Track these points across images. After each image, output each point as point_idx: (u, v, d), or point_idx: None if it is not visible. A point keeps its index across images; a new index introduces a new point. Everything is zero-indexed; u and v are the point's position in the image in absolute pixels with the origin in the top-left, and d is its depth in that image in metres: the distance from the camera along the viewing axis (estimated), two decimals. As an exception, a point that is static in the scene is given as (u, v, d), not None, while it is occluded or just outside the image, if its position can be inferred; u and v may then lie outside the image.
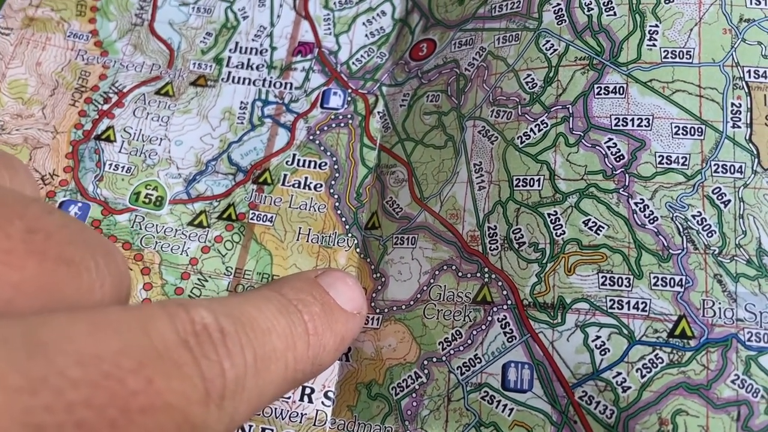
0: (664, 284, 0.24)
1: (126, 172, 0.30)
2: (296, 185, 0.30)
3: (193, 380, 0.17)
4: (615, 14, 0.27)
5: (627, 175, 0.25)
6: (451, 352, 0.26)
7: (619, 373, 0.23)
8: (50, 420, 0.14)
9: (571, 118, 0.26)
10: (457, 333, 0.26)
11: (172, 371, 0.17)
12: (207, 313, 0.19)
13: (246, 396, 0.19)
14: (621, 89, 0.26)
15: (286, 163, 0.30)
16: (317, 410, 0.27)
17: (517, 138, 0.27)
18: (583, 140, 0.26)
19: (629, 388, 0.23)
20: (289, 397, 0.27)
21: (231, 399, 0.18)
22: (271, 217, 0.30)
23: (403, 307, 0.27)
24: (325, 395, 0.27)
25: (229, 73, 0.32)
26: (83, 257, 0.19)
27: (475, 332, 0.25)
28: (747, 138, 0.25)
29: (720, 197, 0.24)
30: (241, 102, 0.32)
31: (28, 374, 0.14)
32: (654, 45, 0.26)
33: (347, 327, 0.24)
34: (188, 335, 0.18)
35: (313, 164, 0.30)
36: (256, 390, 0.20)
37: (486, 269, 0.26)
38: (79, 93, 0.32)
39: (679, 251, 0.24)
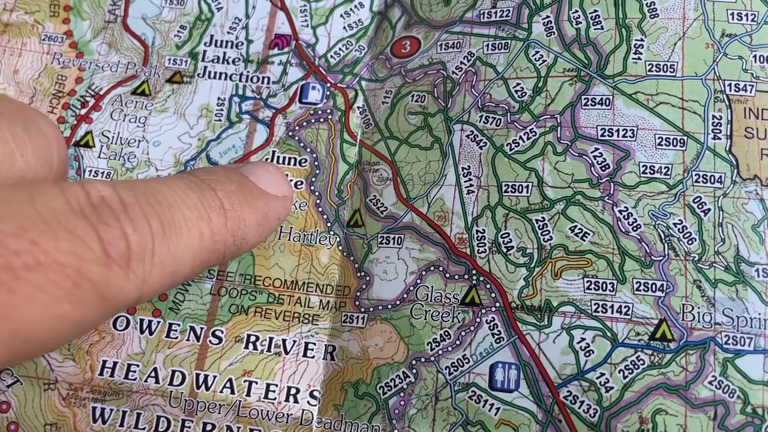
0: (646, 289, 0.26)
1: (106, 177, 0.31)
2: (277, 182, 0.31)
3: (86, 242, 0.19)
4: (602, 28, 0.29)
5: (612, 183, 0.28)
6: (440, 352, 0.28)
7: (602, 374, 0.26)
8: None
9: (559, 128, 0.29)
10: (446, 334, 0.28)
11: (60, 232, 0.19)
12: (105, 186, 0.21)
13: (158, 260, 0.21)
14: (607, 101, 0.29)
15: (266, 160, 0.32)
16: (303, 410, 0.28)
17: (506, 145, 0.29)
18: (570, 149, 0.28)
19: (612, 388, 0.26)
20: (274, 398, 0.28)
21: (139, 262, 0.21)
22: (254, 214, 0.31)
23: (389, 306, 0.29)
24: (311, 395, 0.28)
25: (205, 68, 0.33)
26: None
27: (463, 333, 0.28)
28: (727, 149, 0.27)
29: (700, 206, 0.27)
30: (218, 98, 0.33)
31: None
32: (639, 58, 0.29)
33: (269, 206, 0.26)
34: (83, 206, 0.20)
35: (293, 161, 0.32)
36: (168, 255, 0.22)
37: (474, 271, 0.28)
38: (57, 99, 0.32)
39: (661, 258, 0.27)
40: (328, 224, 0.31)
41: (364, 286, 0.30)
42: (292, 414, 0.28)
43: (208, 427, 0.28)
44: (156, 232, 0.22)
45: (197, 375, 0.28)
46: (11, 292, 0.18)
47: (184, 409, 0.28)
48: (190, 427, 0.28)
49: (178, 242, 0.22)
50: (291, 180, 0.31)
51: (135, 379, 0.28)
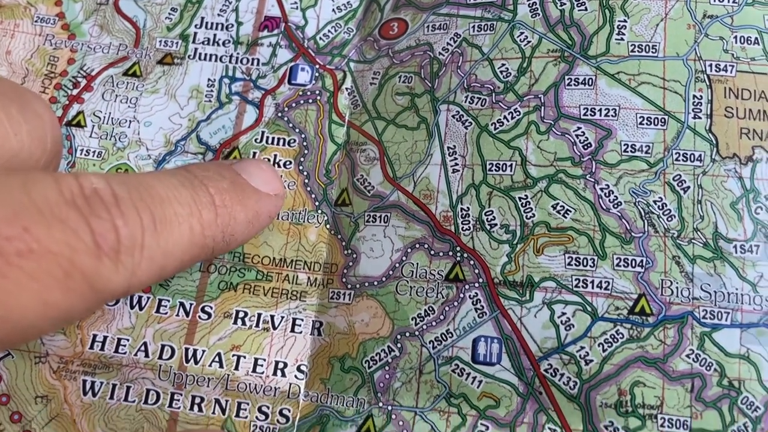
0: (626, 265, 0.27)
1: (97, 156, 0.32)
2: (266, 162, 0.32)
3: (78, 232, 0.20)
4: (586, 9, 0.30)
5: (594, 162, 0.28)
6: (424, 327, 0.28)
7: (582, 348, 0.27)
8: None
9: (542, 107, 0.29)
10: (430, 309, 0.28)
11: (53, 222, 0.20)
12: (98, 179, 0.22)
13: (147, 254, 0.22)
14: (590, 81, 0.29)
15: (255, 140, 0.32)
16: (290, 383, 0.29)
17: (491, 124, 0.30)
18: (553, 128, 0.29)
19: (591, 361, 0.27)
20: (262, 372, 0.29)
21: (129, 254, 0.21)
22: (243, 193, 0.32)
23: (375, 283, 0.30)
24: (298, 369, 0.29)
25: (196, 49, 0.34)
26: None
27: (447, 308, 0.28)
28: (707, 128, 0.28)
29: (680, 184, 0.28)
30: (209, 79, 0.33)
31: None
32: (622, 39, 0.29)
33: (260, 204, 0.27)
34: (76, 197, 0.21)
35: (281, 141, 0.32)
36: (158, 249, 0.23)
37: (458, 248, 0.29)
38: (49, 79, 0.33)
39: (641, 234, 0.27)
40: (316, 203, 0.31)
41: (350, 264, 0.30)
42: (279, 387, 0.29)
43: (197, 400, 0.28)
44: (147, 226, 0.22)
45: (186, 349, 0.29)
46: (2, 276, 0.19)
47: (173, 382, 0.29)
48: (178, 400, 0.28)
49: (168, 237, 0.23)
50: (280, 160, 0.32)
51: (125, 353, 0.29)
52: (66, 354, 0.29)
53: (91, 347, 0.29)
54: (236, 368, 0.29)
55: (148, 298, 0.29)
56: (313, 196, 0.32)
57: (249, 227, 0.27)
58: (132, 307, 0.29)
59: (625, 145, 0.28)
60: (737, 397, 0.26)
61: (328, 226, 0.31)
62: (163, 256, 0.23)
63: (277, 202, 0.28)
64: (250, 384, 0.29)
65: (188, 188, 0.25)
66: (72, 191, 0.21)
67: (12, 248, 0.19)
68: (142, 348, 0.29)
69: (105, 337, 0.29)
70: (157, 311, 0.29)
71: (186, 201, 0.24)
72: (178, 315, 0.29)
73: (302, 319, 0.30)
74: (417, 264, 0.29)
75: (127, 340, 0.29)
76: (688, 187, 0.28)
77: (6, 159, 0.23)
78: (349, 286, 0.30)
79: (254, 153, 0.32)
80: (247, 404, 0.29)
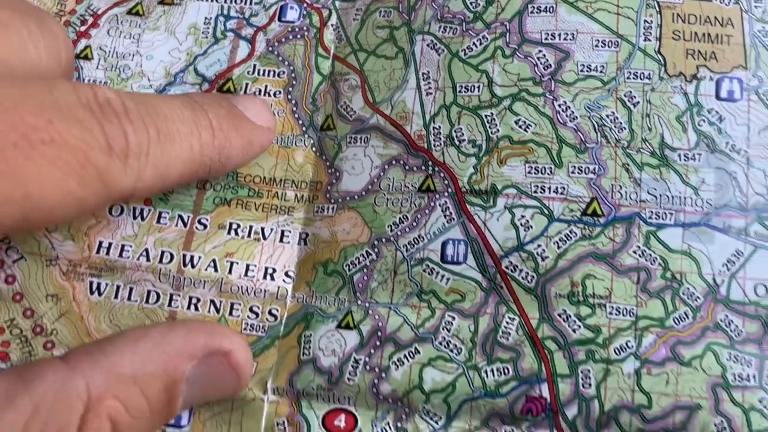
0: (580, 172, 0.30)
1: (103, 86, 0.35)
2: (257, 92, 0.35)
3: (93, 132, 0.23)
4: (547, -59, 0.33)
5: (553, 81, 0.31)
6: (399, 233, 0.31)
7: (539, 246, 0.30)
8: None
9: (507, 34, 0.32)
10: (404, 217, 0.31)
11: (71, 120, 0.22)
12: (110, 91, 0.24)
13: (152, 161, 0.25)
14: (551, 8, 0.32)
15: (248, 72, 0.35)
16: (279, 287, 0.32)
17: (461, 51, 0.33)
18: (517, 52, 0.32)
19: (547, 257, 0.29)
20: (253, 276, 0.32)
21: (136, 159, 0.24)
22: (236, 119, 0.35)
23: (356, 197, 0.32)
24: (286, 274, 0.32)
25: (194, -10, 0.37)
26: (11, 21, 0.25)
27: (419, 216, 0.31)
28: (656, 50, 0.31)
29: (631, 99, 0.31)
30: (205, 18, 0.36)
31: None
32: (580, -31, 0.32)
33: (254, 133, 0.30)
34: (91, 103, 0.23)
35: (272, 73, 0.35)
36: (162, 159, 0.25)
37: (430, 163, 0.32)
38: (59, 17, 0.36)
39: (594, 145, 0.30)
40: (303, 128, 0.34)
41: (334, 181, 0.33)
42: (269, 290, 0.32)
43: (194, 301, 0.31)
44: (152, 137, 0.25)
45: (184, 255, 0.32)
46: (27, 158, 0.21)
47: (172, 284, 0.31)
48: (177, 301, 0.31)
49: (170, 150, 0.26)
50: (270, 90, 0.35)
51: (128, 258, 0.32)
52: (74, 258, 0.32)
53: (98, 252, 0.32)
54: (229, 273, 0.32)
55: (149, 210, 0.32)
56: (301, 122, 0.34)
57: (243, 153, 0.30)
58: (135, 218, 0.32)
59: (581, 65, 0.31)
60: (679, 289, 0.29)
61: (314, 148, 0.34)
62: (166, 167, 0.26)
63: (268, 134, 0.31)
64: (242, 287, 0.32)
65: (189, 110, 0.28)
66: (88, 98, 0.24)
67: (37, 136, 0.21)
68: (144, 253, 0.32)
69: (110, 243, 0.32)
70: (158, 222, 0.32)
71: (187, 121, 0.27)
72: (176, 226, 0.32)
73: (290, 231, 0.33)
74: (393, 178, 0.32)
75: (130, 246, 0.32)
76: (638, 103, 0.30)
77: (26, 69, 0.26)
78: (333, 201, 0.33)
79: (246, 84, 0.35)
80: (239, 305, 0.32)
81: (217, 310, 0.31)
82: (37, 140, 0.21)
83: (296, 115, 0.34)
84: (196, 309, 0.31)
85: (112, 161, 0.23)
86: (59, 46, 0.28)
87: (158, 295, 0.31)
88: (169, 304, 0.31)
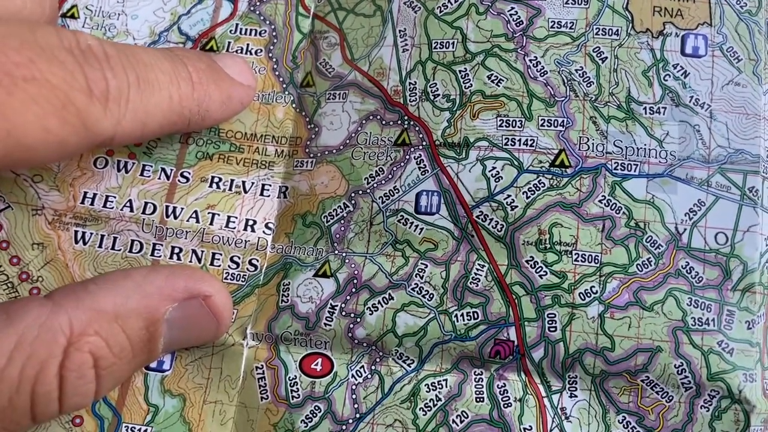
0: (549, 125, 0.31)
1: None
2: (239, 51, 0.36)
3: (74, 74, 0.23)
4: None
5: (525, 37, 0.32)
6: (375, 185, 0.32)
7: (509, 196, 0.31)
8: None
9: (481, -10, 0.33)
10: (380, 170, 0.32)
11: (53, 60, 0.23)
12: (92, 38, 0.25)
13: (131, 107, 0.26)
14: (524, -35, 0.33)
15: (230, 31, 0.36)
16: (259, 238, 0.33)
17: (437, 8, 0.34)
18: (490, 9, 0.33)
19: (516, 207, 0.31)
20: (234, 228, 0.33)
21: (116, 104, 0.25)
22: (218, 76, 0.35)
23: (334, 151, 0.34)
24: (266, 226, 0.33)
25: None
26: None
27: (395, 168, 0.32)
28: (624, 6, 0.32)
29: (599, 55, 0.32)
30: (189, -23, 0.37)
31: None
32: (552, -72, 0.33)
33: (233, 89, 0.31)
34: (73, 47, 0.24)
35: (253, 32, 0.36)
36: (141, 105, 0.26)
37: (406, 117, 0.33)
38: None
39: (563, 98, 0.31)
40: (284, 86, 0.35)
41: (313, 136, 0.34)
42: (249, 241, 0.33)
43: (176, 251, 0.32)
44: (132, 83, 0.26)
45: (167, 206, 0.33)
46: (9, 94, 0.22)
47: (155, 234, 0.33)
48: (159, 250, 0.32)
49: (149, 97, 0.27)
50: (252, 48, 0.36)
51: (112, 208, 0.33)
52: (60, 207, 0.33)
53: (83, 202, 0.33)
54: (211, 224, 0.33)
55: (133, 163, 0.33)
56: (281, 79, 0.35)
57: (222, 107, 0.31)
58: (119, 171, 0.33)
59: (552, 22, 0.32)
60: (642, 237, 0.30)
61: (293, 105, 0.35)
62: (145, 114, 0.26)
63: (248, 91, 0.32)
64: (223, 237, 0.33)
65: (169, 61, 0.28)
66: (70, 42, 0.24)
67: (19, 73, 0.22)
68: (128, 204, 0.33)
69: (95, 194, 0.33)
70: (141, 174, 0.33)
71: (167, 71, 0.28)
72: (159, 178, 0.33)
73: (270, 185, 0.34)
74: (370, 133, 0.33)
75: (114, 197, 0.33)
76: (606, 58, 0.31)
77: (11, 14, 0.27)
78: (312, 156, 0.34)
79: (229, 43, 0.36)
80: (221, 255, 0.33)
81: (199, 260, 0.32)
82: (20, 77, 0.22)
83: (277, 73, 0.35)
84: (179, 258, 0.32)
85: (92, 103, 0.24)
86: None
87: (141, 245, 0.32)
88: (152, 254, 0.32)
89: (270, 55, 0.36)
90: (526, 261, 0.30)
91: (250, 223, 0.33)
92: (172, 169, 0.33)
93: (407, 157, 0.32)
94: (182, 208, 0.33)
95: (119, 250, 0.32)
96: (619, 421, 0.29)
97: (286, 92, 0.35)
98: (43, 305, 0.25)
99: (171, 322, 0.27)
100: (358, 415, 0.30)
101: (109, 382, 0.26)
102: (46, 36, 0.24)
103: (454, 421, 0.29)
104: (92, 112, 0.24)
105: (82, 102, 0.24)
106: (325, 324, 0.31)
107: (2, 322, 0.24)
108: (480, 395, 0.30)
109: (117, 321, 0.25)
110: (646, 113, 0.31)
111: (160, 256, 0.32)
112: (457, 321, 0.30)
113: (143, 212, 0.33)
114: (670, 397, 0.29)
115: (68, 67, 0.23)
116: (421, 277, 0.31)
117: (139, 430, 0.31)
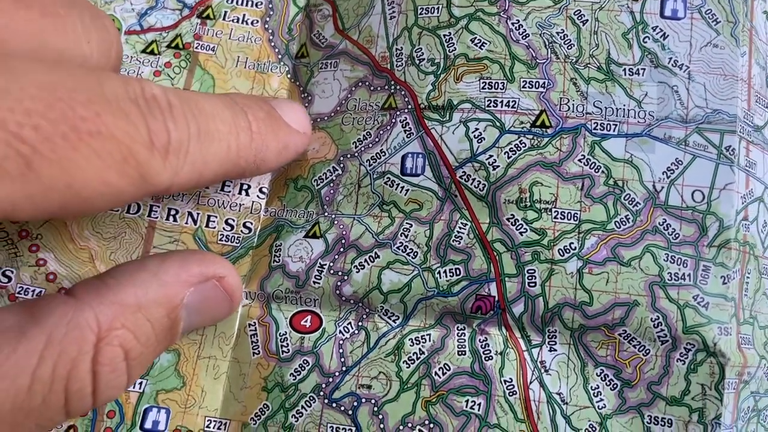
0: (530, 86, 0.32)
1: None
2: (235, 20, 0.37)
3: (137, 126, 0.24)
4: None
5: (507, 1, 0.33)
6: (362, 149, 0.33)
7: (491, 156, 0.32)
8: (11, 118, 0.20)
9: (466, -43, 0.34)
10: (368, 134, 0.33)
11: (118, 113, 0.23)
12: (156, 87, 0.25)
13: (190, 159, 0.26)
14: (507, -68, 0.34)
15: (227, 1, 0.37)
16: (253, 201, 0.34)
17: (423, -24, 0.35)
18: (475, -25, 0.34)
19: (498, 167, 0.31)
20: (229, 191, 0.34)
21: (175, 156, 0.25)
22: (213, 46, 0.37)
23: (326, 118, 0.35)
24: (260, 191, 0.34)
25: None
26: (69, 13, 0.26)
27: (381, 132, 0.33)
28: (603, -29, 0.33)
29: (580, 18, 0.32)
30: (188, -48, 0.38)
31: None
32: None
33: (290, 138, 0.31)
34: (138, 97, 0.24)
35: (250, 3, 0.37)
36: (199, 156, 0.26)
37: (393, 82, 0.34)
38: None
39: (544, 60, 0.32)
40: (279, 56, 0.36)
41: (306, 105, 0.35)
42: (244, 204, 0.34)
43: (173, 212, 0.34)
44: (192, 135, 0.26)
45: (163, 171, 0.34)
46: (74, 149, 0.22)
47: (152, 196, 0.34)
48: (156, 212, 0.34)
49: (208, 148, 0.27)
50: (248, 19, 0.37)
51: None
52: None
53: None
54: (206, 187, 0.34)
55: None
56: (277, 50, 0.36)
57: (278, 156, 0.31)
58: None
59: (534, -14, 0.33)
60: (621, 194, 0.31)
61: (288, 75, 0.36)
62: (203, 165, 0.26)
63: (304, 139, 0.32)
64: (218, 200, 0.34)
65: (230, 110, 0.28)
66: (135, 92, 0.24)
67: (85, 127, 0.22)
68: (126, 169, 0.34)
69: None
70: (139, 141, 0.35)
71: (227, 121, 0.28)
72: (157, 145, 0.35)
73: (264, 151, 0.35)
74: (359, 99, 0.34)
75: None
76: (587, 20, 0.32)
77: (79, 62, 0.27)
78: (304, 122, 0.35)
79: (225, 12, 0.37)
80: (216, 217, 0.34)
81: (194, 222, 0.34)
82: (85, 131, 0.22)
83: (272, 44, 0.37)
84: (175, 220, 0.34)
85: (153, 156, 0.24)
86: (111, 41, 0.28)
87: (139, 206, 0.34)
88: (149, 215, 0.34)
89: (266, 26, 0.37)
90: (507, 219, 0.31)
91: (245, 187, 0.34)
92: (169, 136, 0.35)
93: (393, 120, 0.33)
94: (179, 173, 0.34)
95: (117, 210, 0.34)
96: (597, 374, 0.30)
97: (282, 63, 0.36)
98: (67, 303, 0.25)
99: (189, 306, 0.28)
100: (344, 368, 0.31)
101: (138, 371, 0.26)
102: (113, 87, 0.23)
103: (436, 373, 0.31)
104: (152, 165, 0.24)
105: (143, 155, 0.24)
106: (314, 282, 0.32)
107: (28, 322, 0.24)
108: (462, 349, 0.31)
109: (140, 312, 0.26)
110: (625, 74, 0.31)
111: (156, 218, 0.34)
112: (440, 278, 0.31)
113: (141, 177, 0.34)
114: (647, 351, 0.29)
115: (132, 119, 0.23)
116: (406, 236, 0.32)
117: (134, 382, 0.32)
